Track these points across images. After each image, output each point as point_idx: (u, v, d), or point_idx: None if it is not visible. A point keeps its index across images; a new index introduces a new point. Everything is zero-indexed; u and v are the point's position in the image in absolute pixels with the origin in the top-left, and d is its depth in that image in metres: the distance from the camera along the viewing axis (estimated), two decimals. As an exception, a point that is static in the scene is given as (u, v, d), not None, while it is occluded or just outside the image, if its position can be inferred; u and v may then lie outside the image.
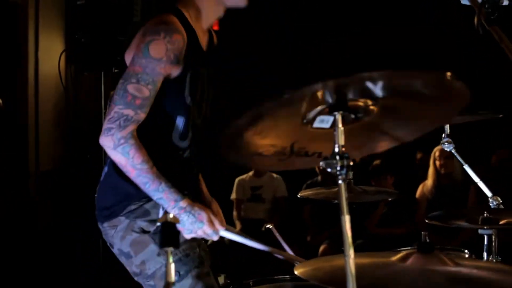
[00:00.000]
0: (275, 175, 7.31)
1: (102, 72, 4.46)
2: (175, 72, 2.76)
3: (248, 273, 3.19)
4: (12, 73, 8.18)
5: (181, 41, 2.72)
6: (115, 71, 4.46)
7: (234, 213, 7.22)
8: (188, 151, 2.96)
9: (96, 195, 2.97)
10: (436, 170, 6.50)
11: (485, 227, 2.90)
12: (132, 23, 4.54)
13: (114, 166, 2.81)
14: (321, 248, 6.46)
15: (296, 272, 1.98)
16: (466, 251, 3.44)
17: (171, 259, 1.69)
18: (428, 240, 2.00)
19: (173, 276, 1.68)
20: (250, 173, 7.33)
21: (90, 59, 4.50)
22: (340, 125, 1.75)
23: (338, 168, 1.75)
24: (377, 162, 6.76)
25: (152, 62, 2.65)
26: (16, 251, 7.03)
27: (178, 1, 2.91)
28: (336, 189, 3.32)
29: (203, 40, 2.97)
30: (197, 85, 2.90)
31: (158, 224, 1.71)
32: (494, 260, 2.99)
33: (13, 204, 7.51)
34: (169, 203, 2.66)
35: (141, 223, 2.84)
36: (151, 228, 2.82)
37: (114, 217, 2.86)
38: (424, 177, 6.76)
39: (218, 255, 6.81)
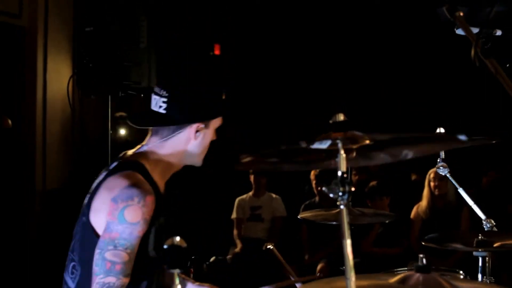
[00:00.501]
0: (274, 195, 7.30)
1: (109, 96, 4.46)
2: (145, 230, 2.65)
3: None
4: (21, 94, 8.19)
5: (153, 201, 2.62)
6: (121, 94, 4.46)
7: (235, 232, 7.21)
8: None
9: None
10: (431, 192, 6.50)
11: (480, 250, 2.90)
12: (138, 49, 4.56)
13: None
14: (319, 267, 6.43)
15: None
16: (461, 272, 3.44)
17: (177, 281, 1.69)
18: (425, 262, 2.00)
19: (180, 299, 1.68)
20: (250, 193, 7.33)
21: (97, 83, 4.50)
22: (342, 152, 1.76)
23: (340, 194, 1.75)
24: (373, 183, 6.76)
25: (129, 227, 2.55)
26: (20, 265, 7.01)
27: (145, 152, 2.82)
28: (334, 211, 3.34)
29: (161, 186, 2.85)
30: (159, 237, 2.75)
31: (165, 247, 1.69)
32: (488, 281, 2.99)
33: (19, 221, 7.49)
34: None
35: None
36: None
37: None
38: (419, 199, 6.76)
39: (220, 272, 6.82)
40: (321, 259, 6.52)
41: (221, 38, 10.00)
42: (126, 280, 2.55)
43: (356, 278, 2.09)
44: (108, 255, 2.52)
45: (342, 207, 1.77)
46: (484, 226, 3.21)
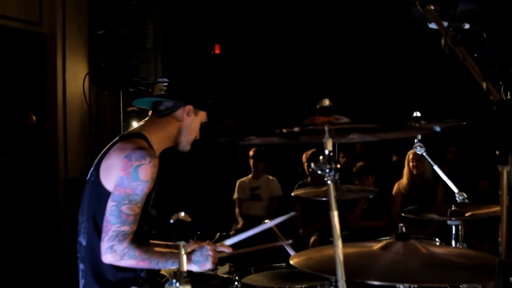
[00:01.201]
0: (271, 177, 7.30)
1: (120, 91, 4.45)
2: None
3: (250, 262, 3.17)
4: (42, 93, 8.18)
5: (158, 164, 2.82)
6: (131, 90, 4.46)
7: (237, 210, 7.21)
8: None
9: None
10: (410, 170, 6.51)
11: (453, 219, 2.90)
12: (145, 50, 4.56)
13: (88, 281, 2.85)
14: (312, 239, 6.44)
15: (291, 262, 1.98)
16: (437, 239, 3.44)
17: (183, 251, 1.68)
18: (404, 231, 2.00)
19: (185, 266, 1.67)
20: (249, 176, 7.32)
21: (109, 80, 4.49)
22: (327, 135, 1.74)
23: (327, 171, 1.75)
24: (360, 163, 6.75)
25: (141, 184, 2.73)
26: (49, 245, 7.01)
27: (145, 125, 3.02)
28: (324, 188, 3.34)
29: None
30: (156, 199, 3.00)
31: (171, 221, 1.68)
32: (461, 247, 2.99)
33: (46, 206, 7.50)
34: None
35: None
36: None
37: None
38: (399, 177, 6.77)
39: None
40: (314, 232, 6.52)
41: (221, 38, 9.99)
42: (135, 228, 2.74)
43: (344, 247, 2.09)
44: (124, 208, 2.69)
45: (329, 182, 1.76)
46: (457, 199, 3.21)
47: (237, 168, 7.68)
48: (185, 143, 3.08)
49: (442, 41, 1.67)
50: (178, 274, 1.65)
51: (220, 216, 7.42)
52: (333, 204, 1.75)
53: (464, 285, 2.85)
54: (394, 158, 7.92)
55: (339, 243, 1.72)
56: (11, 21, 7.81)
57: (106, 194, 2.76)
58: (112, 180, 2.76)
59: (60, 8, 8.26)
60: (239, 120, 9.43)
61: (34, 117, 7.80)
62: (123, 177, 2.72)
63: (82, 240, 2.88)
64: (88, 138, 7.96)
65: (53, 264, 6.68)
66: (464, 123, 3.24)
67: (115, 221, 2.68)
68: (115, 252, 2.67)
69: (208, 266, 2.85)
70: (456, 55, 1.69)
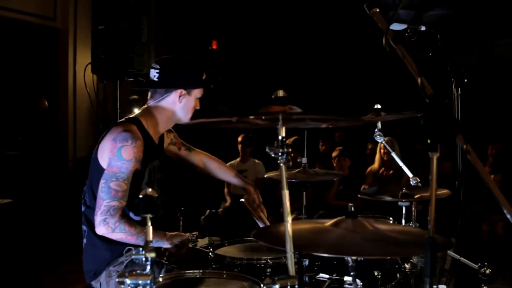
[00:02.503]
0: (257, 161, 7.30)
1: (118, 81, 4.46)
2: (138, 167, 2.87)
3: (237, 237, 3.19)
4: (55, 81, 8.21)
5: (142, 145, 2.84)
6: (127, 79, 4.47)
7: (225, 190, 7.21)
8: None
9: (83, 260, 3.03)
10: (381, 157, 6.55)
11: (403, 200, 2.90)
12: (140, 43, 4.57)
13: (90, 239, 2.94)
14: (291, 218, 6.44)
15: (251, 235, 1.98)
16: (390, 218, 3.45)
17: (149, 223, 1.69)
18: (353, 210, 2.00)
19: (151, 236, 1.68)
20: (238, 159, 7.33)
21: (108, 70, 4.49)
22: (281, 122, 1.74)
23: (280, 154, 1.75)
24: (339, 148, 6.77)
25: (126, 163, 2.77)
26: (62, 218, 7.01)
27: (143, 111, 3.05)
28: (294, 171, 3.34)
29: (156, 138, 3.10)
30: (152, 176, 3.03)
31: (140, 196, 1.69)
32: (413, 226, 2.99)
33: (54, 184, 7.50)
34: (163, 240, 2.84)
35: (112, 268, 2.92)
36: (123, 267, 2.90)
37: (98, 276, 2.94)
38: (372, 162, 6.82)
39: (213, 223, 6.84)
40: (294, 211, 6.52)
41: (218, 34, 9.97)
42: (124, 203, 2.79)
43: (300, 223, 2.10)
44: (113, 185, 2.75)
45: (281, 164, 1.76)
46: (411, 182, 3.22)
47: (227, 152, 7.68)
48: (185, 119, 3.08)
49: (384, 40, 1.66)
50: (144, 243, 1.65)
51: (210, 195, 7.42)
52: (285, 184, 1.75)
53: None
54: (369, 146, 7.92)
55: (288, 218, 1.72)
56: (29, 16, 7.83)
57: (101, 171, 2.83)
58: (105, 160, 2.83)
59: (72, 5, 8.27)
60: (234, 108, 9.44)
61: (46, 102, 7.82)
62: (111, 158, 2.78)
63: (83, 208, 3.01)
64: (94, 122, 7.98)
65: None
66: (419, 114, 3.24)
67: (106, 197, 2.73)
68: (108, 225, 2.72)
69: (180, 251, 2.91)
70: (396, 52, 1.69)
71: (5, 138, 6.84)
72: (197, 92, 3.05)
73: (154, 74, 2.98)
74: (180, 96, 2.99)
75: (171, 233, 2.90)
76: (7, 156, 6.38)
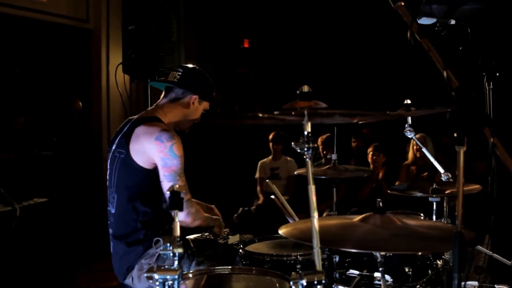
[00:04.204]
0: (289, 158, 7.31)
1: (148, 80, 4.52)
2: None
3: (269, 234, 3.21)
4: (89, 82, 8.33)
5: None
6: (158, 79, 4.52)
7: (258, 188, 7.24)
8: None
9: (113, 264, 3.09)
10: (414, 154, 6.49)
11: (434, 196, 2.87)
12: (170, 42, 4.60)
13: (117, 239, 3.01)
14: (324, 214, 6.42)
15: (279, 232, 1.99)
16: (421, 214, 3.41)
17: (177, 219, 1.71)
18: (381, 205, 2.00)
19: (178, 232, 1.70)
20: (270, 157, 7.34)
21: (138, 70, 4.55)
22: (306, 118, 1.75)
23: (305, 149, 1.75)
24: (374, 143, 6.71)
25: (180, 159, 2.88)
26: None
27: (157, 108, 3.14)
28: (323, 167, 3.34)
29: None
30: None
31: (168, 193, 1.72)
32: (445, 222, 2.96)
33: (88, 183, 7.63)
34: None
35: (144, 261, 2.96)
36: (154, 259, 2.96)
37: (130, 271, 3.00)
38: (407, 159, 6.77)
39: (246, 220, 6.87)
40: (325, 209, 6.50)
41: (249, 33, 10.00)
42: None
43: (328, 219, 2.11)
44: (180, 182, 2.88)
45: (307, 160, 1.76)
46: (442, 178, 3.18)
47: (259, 150, 7.69)
48: (186, 126, 3.24)
49: (408, 33, 1.66)
50: (172, 238, 1.68)
51: (243, 193, 7.45)
52: (311, 179, 1.75)
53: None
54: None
55: (315, 214, 1.73)
56: (62, 19, 7.97)
57: (138, 168, 2.90)
58: (147, 159, 2.90)
59: (105, 6, 8.39)
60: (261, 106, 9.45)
61: (80, 103, 7.95)
62: (164, 158, 2.86)
63: (111, 209, 3.04)
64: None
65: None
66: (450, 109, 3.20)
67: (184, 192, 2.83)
68: (191, 216, 2.95)
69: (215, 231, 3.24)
70: (422, 46, 1.68)
71: (40, 139, 6.98)
72: (205, 104, 3.23)
73: (175, 75, 3.14)
74: (193, 101, 3.14)
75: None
76: (42, 157, 6.51)
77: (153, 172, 2.90)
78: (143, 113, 3.14)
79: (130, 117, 3.18)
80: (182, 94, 3.13)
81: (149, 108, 3.20)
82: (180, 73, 3.13)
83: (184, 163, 2.92)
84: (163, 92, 3.22)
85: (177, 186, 1.74)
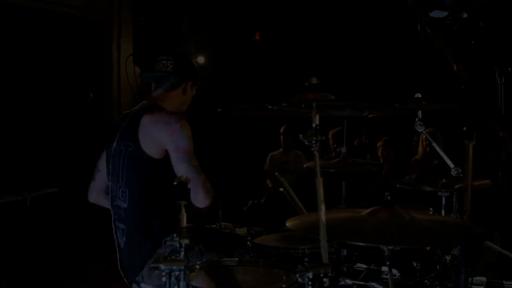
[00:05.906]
0: (299, 152, 7.29)
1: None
2: None
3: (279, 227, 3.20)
4: (100, 74, 8.35)
5: None
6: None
7: (268, 180, 7.25)
8: None
9: (123, 260, 3.06)
10: (423, 148, 6.47)
11: (443, 190, 2.85)
12: (180, 35, 4.60)
13: (131, 236, 2.96)
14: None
15: (287, 224, 1.99)
16: (430, 209, 3.39)
17: (183, 210, 1.71)
18: (389, 199, 1.99)
19: (185, 222, 1.70)
20: (280, 150, 7.33)
21: (149, 62, 4.55)
22: (315, 110, 1.74)
23: (313, 142, 1.74)
24: (384, 137, 6.69)
25: (189, 140, 2.86)
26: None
27: (155, 98, 3.14)
28: (332, 161, 3.33)
29: None
30: None
31: (174, 183, 1.72)
32: (454, 217, 2.94)
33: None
34: None
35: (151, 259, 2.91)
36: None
37: (141, 270, 2.94)
38: (416, 154, 6.75)
39: (256, 212, 6.88)
40: (334, 202, 6.48)
41: (261, 26, 9.95)
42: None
43: (336, 212, 2.10)
44: (194, 162, 2.84)
45: (315, 152, 1.76)
46: (452, 173, 3.15)
47: (269, 142, 7.67)
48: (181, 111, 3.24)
49: (419, 26, 1.64)
50: (179, 229, 1.68)
51: (253, 185, 7.44)
52: (318, 172, 1.75)
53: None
54: (415, 138, 7.79)
55: (322, 207, 1.72)
56: (74, 10, 7.98)
57: (149, 159, 2.86)
58: (158, 147, 2.87)
59: (116, -1, 8.40)
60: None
61: (91, 95, 7.98)
62: (175, 140, 2.83)
63: (121, 203, 2.98)
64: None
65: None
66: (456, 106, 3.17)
67: (197, 175, 2.82)
68: (211, 197, 2.88)
69: None
70: (432, 39, 1.66)
71: (51, 131, 7.00)
72: (194, 89, 3.27)
73: (167, 65, 3.16)
74: (188, 87, 3.19)
75: None
76: (51, 149, 6.54)
77: (164, 162, 2.86)
78: (140, 105, 3.12)
79: (126, 112, 3.18)
80: (178, 82, 3.16)
81: (144, 101, 3.18)
82: (172, 62, 3.16)
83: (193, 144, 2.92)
84: (154, 83, 3.23)
85: (183, 177, 1.74)
